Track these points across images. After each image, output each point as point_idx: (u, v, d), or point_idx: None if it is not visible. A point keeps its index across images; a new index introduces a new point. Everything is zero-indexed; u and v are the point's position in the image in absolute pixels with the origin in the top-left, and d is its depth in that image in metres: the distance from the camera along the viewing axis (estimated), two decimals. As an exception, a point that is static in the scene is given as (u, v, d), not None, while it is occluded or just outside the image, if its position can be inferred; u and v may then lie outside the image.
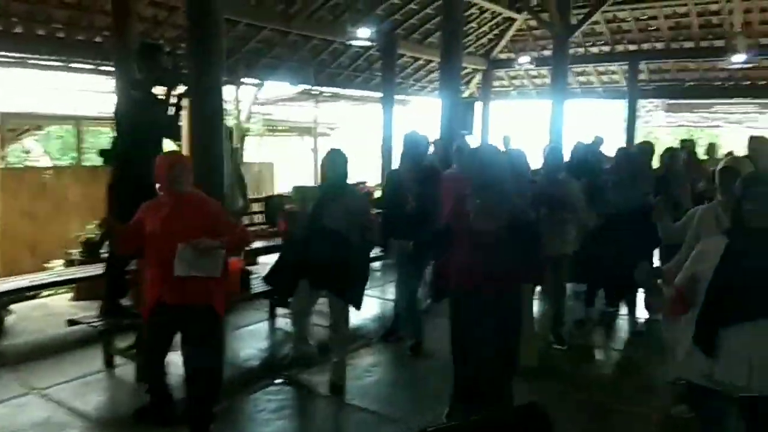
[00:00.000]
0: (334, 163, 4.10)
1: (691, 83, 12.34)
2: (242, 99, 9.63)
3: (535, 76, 13.78)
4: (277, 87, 10.62)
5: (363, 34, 7.89)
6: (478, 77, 13.95)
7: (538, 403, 2.86)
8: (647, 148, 6.40)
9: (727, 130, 13.52)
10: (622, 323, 5.71)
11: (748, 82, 11.79)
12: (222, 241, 3.17)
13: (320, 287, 4.15)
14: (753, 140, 5.97)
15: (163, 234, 3.12)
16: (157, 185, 3.29)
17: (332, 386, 4.15)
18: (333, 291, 4.11)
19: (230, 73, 8.98)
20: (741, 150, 6.91)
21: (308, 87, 10.33)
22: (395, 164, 9.52)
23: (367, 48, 10.13)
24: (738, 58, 10.11)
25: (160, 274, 3.17)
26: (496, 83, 14.06)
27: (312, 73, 10.02)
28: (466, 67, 13.17)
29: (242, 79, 9.29)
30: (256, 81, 9.92)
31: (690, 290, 2.47)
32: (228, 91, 9.36)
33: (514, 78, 14.18)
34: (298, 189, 8.43)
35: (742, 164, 3.33)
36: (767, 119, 12.64)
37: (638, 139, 11.72)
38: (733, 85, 11.98)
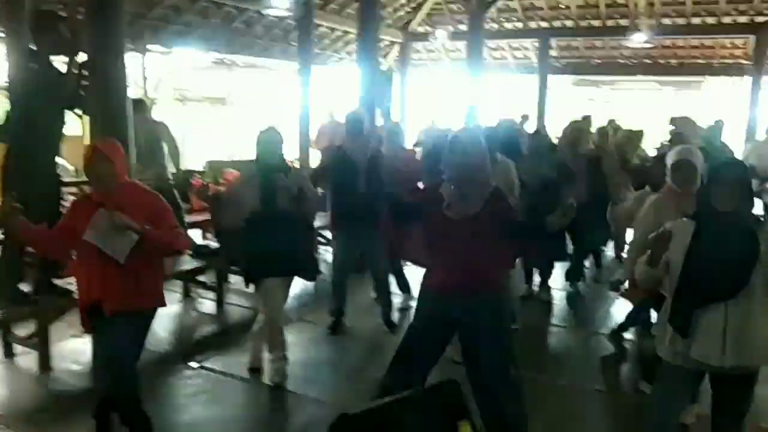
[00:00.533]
0: (272, 142, 3.89)
1: (598, 60, 12.89)
2: (149, 67, 9.10)
3: (451, 50, 13.91)
4: (188, 55, 10.11)
5: (278, 4, 7.63)
6: (395, 50, 13.92)
7: (453, 380, 2.94)
8: (582, 125, 6.46)
9: (629, 105, 14.25)
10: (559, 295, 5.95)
11: (650, 61, 12.46)
12: (145, 230, 2.76)
13: (287, 274, 3.98)
14: (675, 120, 6.33)
15: None
16: None
17: (275, 385, 3.98)
18: (303, 276, 4.04)
19: (135, 40, 8.47)
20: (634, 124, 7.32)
21: (221, 56, 9.88)
22: (313, 136, 9.49)
23: (283, 17, 9.81)
24: (640, 38, 10.62)
25: (98, 281, 2.82)
26: (414, 56, 14.09)
27: (224, 42, 9.59)
28: (383, 39, 13.10)
29: (148, 47, 8.77)
30: (164, 49, 9.40)
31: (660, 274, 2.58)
32: (133, 60, 8.84)
33: (431, 51, 14.26)
34: (212, 164, 8.23)
35: (695, 155, 3.39)
36: (666, 95, 13.44)
37: (549, 113, 12.19)
38: (636, 63, 12.63)
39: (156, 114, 9.20)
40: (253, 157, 3.97)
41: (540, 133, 6.07)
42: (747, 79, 11.29)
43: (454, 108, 10.93)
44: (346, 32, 11.93)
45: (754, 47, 10.93)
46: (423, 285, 3.22)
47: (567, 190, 5.24)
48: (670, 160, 3.40)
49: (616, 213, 6.09)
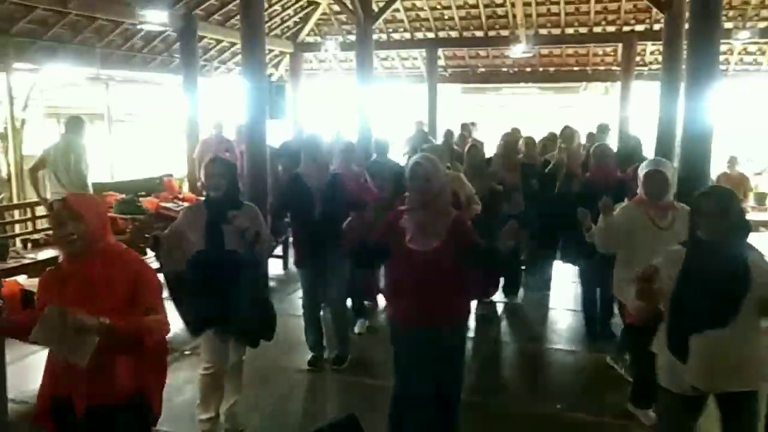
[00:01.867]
0: (221, 174, 3.52)
1: (483, 69, 13.38)
2: (15, 86, 8.36)
3: (342, 60, 13.91)
4: (60, 72, 9.41)
5: (156, 18, 7.25)
6: (286, 60, 13.73)
7: (351, 415, 2.95)
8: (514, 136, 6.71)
9: (515, 112, 14.91)
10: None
11: (530, 69, 13.09)
12: (108, 328, 2.14)
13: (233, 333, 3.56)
14: (567, 128, 6.67)
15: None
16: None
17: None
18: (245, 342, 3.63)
19: (-2, 58, 7.81)
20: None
21: (95, 71, 9.27)
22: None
23: (162, 31, 9.36)
24: (519, 48, 11.13)
25: (64, 367, 2.26)
26: (305, 66, 13.95)
27: (98, 56, 9.01)
28: (272, 50, 12.88)
29: (14, 65, 8.08)
30: (32, 66, 8.69)
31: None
32: (-4, 79, 8.14)
33: (322, 61, 14.19)
34: (92, 186, 7.70)
35: (666, 166, 3.54)
36: (547, 101, 14.18)
37: (441, 121, 12.48)
38: (518, 71, 13.23)
39: (30, 134, 8.57)
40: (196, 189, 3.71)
41: (476, 146, 6.17)
42: (618, 84, 12.14)
43: (348, 118, 10.94)
44: (232, 43, 11.60)
45: (622, 54, 11.78)
46: (390, 319, 3.19)
47: (506, 202, 5.43)
48: (642, 170, 3.55)
49: None
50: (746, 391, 2.53)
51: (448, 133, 8.99)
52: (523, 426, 3.96)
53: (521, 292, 6.38)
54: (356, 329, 5.34)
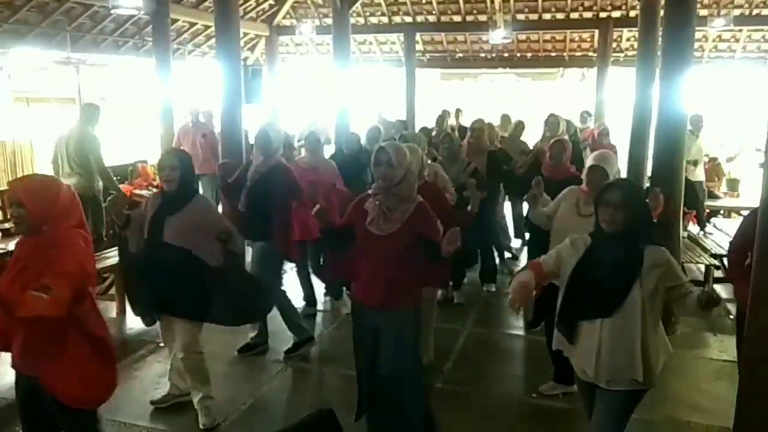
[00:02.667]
0: (171, 164, 3.51)
1: (461, 54, 13.35)
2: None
3: (319, 44, 13.77)
4: (29, 55, 9.16)
5: (127, 2, 7.07)
6: (261, 43, 13.53)
7: (329, 409, 2.93)
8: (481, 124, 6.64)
9: (493, 98, 14.92)
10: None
11: (507, 54, 13.10)
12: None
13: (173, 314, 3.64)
14: (552, 116, 6.69)
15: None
16: None
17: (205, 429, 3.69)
18: (189, 316, 3.61)
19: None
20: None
21: (66, 55, 9.03)
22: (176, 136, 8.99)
23: (132, 15, 9.13)
24: (497, 33, 11.09)
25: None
26: (282, 50, 13.78)
27: (68, 40, 8.78)
28: (248, 33, 12.68)
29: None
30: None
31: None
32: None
33: (299, 45, 14.02)
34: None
35: (608, 162, 3.56)
36: (525, 87, 14.22)
37: (419, 106, 12.45)
38: (495, 57, 13.22)
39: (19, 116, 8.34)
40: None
41: (449, 134, 6.12)
42: (595, 70, 12.21)
43: (326, 103, 10.85)
44: (206, 26, 11.40)
45: (598, 40, 11.83)
46: (351, 297, 3.28)
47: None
48: (587, 162, 3.66)
49: None
50: (625, 389, 2.53)
51: (439, 119, 9.01)
52: (499, 413, 3.99)
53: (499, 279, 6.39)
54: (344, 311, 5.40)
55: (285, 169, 4.51)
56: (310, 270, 5.57)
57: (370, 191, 3.06)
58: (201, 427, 3.70)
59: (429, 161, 5.04)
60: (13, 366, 2.57)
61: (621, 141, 8.11)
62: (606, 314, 2.46)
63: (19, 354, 2.51)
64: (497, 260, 6.69)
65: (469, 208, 4.37)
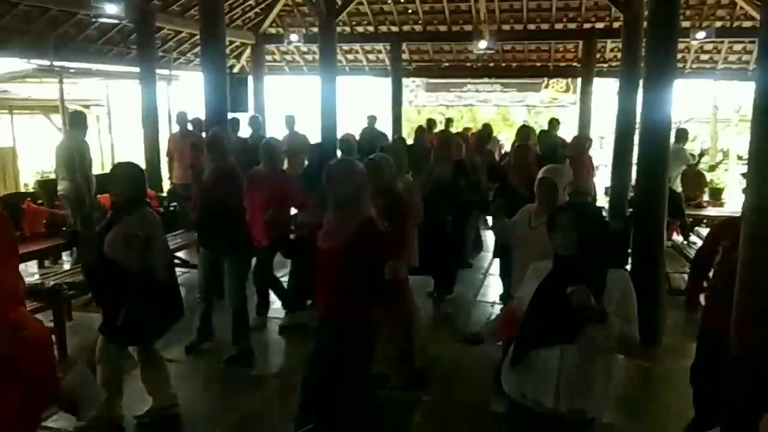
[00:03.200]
0: (120, 177, 3.57)
1: (447, 64, 13.42)
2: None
3: (305, 53, 13.77)
4: (12, 62, 9.06)
5: (111, 10, 7.03)
6: (247, 52, 13.51)
7: (317, 427, 2.88)
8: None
9: (478, 107, 15.01)
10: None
11: (493, 64, 13.19)
12: None
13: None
14: (523, 127, 6.75)
15: None
16: None
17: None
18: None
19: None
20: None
21: (47, 62, 8.93)
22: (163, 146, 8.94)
23: (116, 23, 9.06)
24: (482, 44, 11.18)
25: None
26: (268, 58, 13.76)
27: (51, 48, 8.69)
28: (233, 41, 12.66)
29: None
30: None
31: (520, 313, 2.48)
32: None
33: (285, 53, 14.01)
34: (44, 183, 7.47)
35: (557, 174, 3.51)
36: (511, 97, 14.31)
37: (405, 116, 12.48)
38: (481, 66, 13.31)
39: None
40: None
41: (418, 143, 6.16)
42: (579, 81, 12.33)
43: (310, 112, 10.83)
44: (191, 34, 11.37)
45: (583, 51, 11.96)
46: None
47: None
48: (538, 175, 3.57)
49: None
50: (581, 420, 2.39)
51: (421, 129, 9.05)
52: (482, 423, 3.97)
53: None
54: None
55: (232, 178, 4.58)
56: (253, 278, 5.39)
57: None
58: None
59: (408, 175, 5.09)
60: None
61: (603, 151, 8.16)
62: (567, 341, 2.31)
63: None
64: None
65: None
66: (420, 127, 9.47)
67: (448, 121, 11.74)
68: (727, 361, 2.81)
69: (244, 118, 9.47)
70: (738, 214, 3.28)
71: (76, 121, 6.73)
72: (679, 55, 9.69)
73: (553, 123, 10.04)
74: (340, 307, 3.04)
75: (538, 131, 8.81)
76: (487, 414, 3.97)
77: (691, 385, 3.65)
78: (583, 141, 7.76)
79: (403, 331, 4.24)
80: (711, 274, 3.56)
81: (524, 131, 7.19)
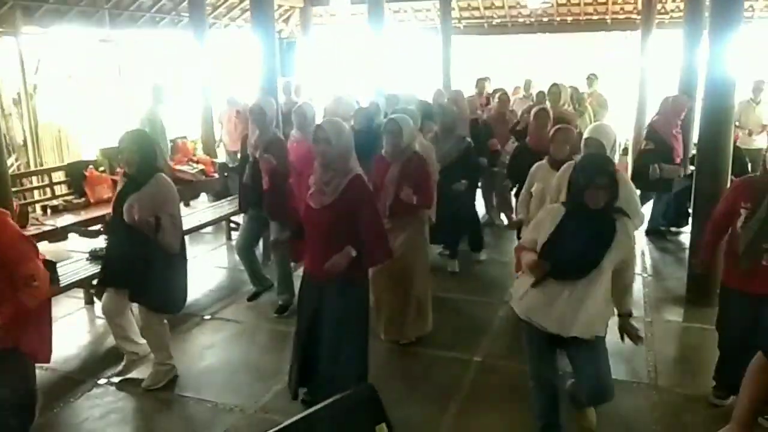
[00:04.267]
0: (130, 149, 3.65)
1: (498, 20, 13.03)
2: (25, 50, 8.32)
3: (353, 13, 13.60)
4: (70, 34, 9.32)
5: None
6: (296, 15, 13.47)
7: (369, 384, 2.96)
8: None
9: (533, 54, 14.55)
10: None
11: (547, 19, 12.73)
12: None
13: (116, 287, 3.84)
14: (554, 86, 6.53)
15: None
16: None
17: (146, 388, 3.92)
18: (129, 294, 3.80)
19: (5, 22, 7.75)
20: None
21: (106, 33, 9.17)
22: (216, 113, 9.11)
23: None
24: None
25: None
26: (316, 20, 13.67)
27: (106, 17, 8.90)
28: (282, 5, 12.64)
29: (21, 29, 8.02)
30: (40, 29, 8.62)
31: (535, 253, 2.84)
32: (6, 44, 8.11)
33: (333, 15, 13.89)
34: (105, 151, 7.74)
35: (602, 133, 3.59)
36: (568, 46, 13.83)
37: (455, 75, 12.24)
38: (534, 22, 12.87)
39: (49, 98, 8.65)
40: None
41: (444, 106, 6.03)
42: (638, 33, 11.76)
43: (359, 74, 10.77)
44: None
45: (642, 2, 11.37)
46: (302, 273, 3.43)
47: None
48: (585, 134, 3.68)
49: None
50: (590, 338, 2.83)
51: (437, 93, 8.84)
52: (508, 379, 4.00)
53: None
54: None
55: (280, 145, 4.76)
56: None
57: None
58: (142, 386, 3.89)
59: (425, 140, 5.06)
60: None
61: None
62: (580, 276, 2.73)
63: None
64: None
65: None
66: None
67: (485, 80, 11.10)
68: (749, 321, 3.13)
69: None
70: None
71: (157, 94, 7.16)
72: (746, 3, 9.12)
73: (591, 78, 9.70)
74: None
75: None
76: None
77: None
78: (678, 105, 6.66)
79: (413, 285, 4.30)
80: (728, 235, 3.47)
81: (554, 90, 6.97)
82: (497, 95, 7.76)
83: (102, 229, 4.06)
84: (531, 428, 3.39)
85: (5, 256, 2.67)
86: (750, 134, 7.74)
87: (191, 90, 9.70)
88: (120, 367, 4.08)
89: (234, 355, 4.45)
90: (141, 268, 3.64)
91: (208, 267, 6.24)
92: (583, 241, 2.71)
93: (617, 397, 3.51)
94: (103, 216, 6.28)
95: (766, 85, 7.88)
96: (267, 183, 4.66)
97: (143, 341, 4.03)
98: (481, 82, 9.41)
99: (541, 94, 7.67)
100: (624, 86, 11.52)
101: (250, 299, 5.30)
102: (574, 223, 2.75)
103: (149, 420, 3.66)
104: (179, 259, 3.80)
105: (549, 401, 3.05)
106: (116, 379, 4.03)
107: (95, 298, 5.08)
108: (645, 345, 4.25)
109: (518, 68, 13.31)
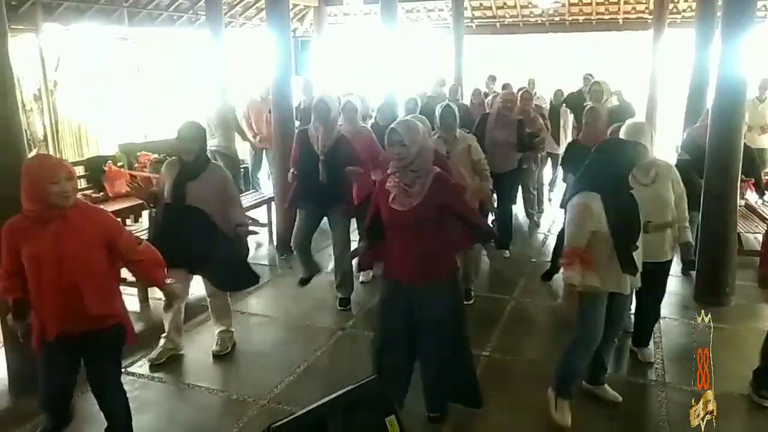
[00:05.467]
0: (188, 138, 3.90)
1: (510, 20, 13.07)
2: (45, 47, 8.50)
3: (367, 13, 13.70)
4: (89, 32, 9.49)
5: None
6: (311, 14, 13.58)
7: (377, 379, 3.01)
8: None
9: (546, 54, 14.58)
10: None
11: (558, 18, 12.75)
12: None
13: (189, 270, 4.10)
14: (596, 84, 6.60)
15: (55, 258, 2.66)
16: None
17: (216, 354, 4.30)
18: (200, 274, 4.13)
19: (26, 19, 7.91)
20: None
21: (125, 31, 9.33)
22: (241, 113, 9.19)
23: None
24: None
25: (58, 304, 2.73)
26: (330, 20, 13.79)
27: (125, 15, 9.05)
28: (297, 4, 12.75)
29: (42, 26, 8.18)
30: (61, 27, 8.78)
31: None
32: (26, 41, 8.26)
33: (347, 15, 14.00)
34: (124, 147, 7.88)
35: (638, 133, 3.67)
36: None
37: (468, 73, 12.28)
38: (545, 21, 12.90)
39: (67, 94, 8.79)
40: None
41: (449, 106, 6.08)
42: (649, 33, 11.76)
43: (373, 72, 10.83)
44: (257, -1, 11.54)
45: (654, 1, 11.36)
46: (383, 277, 3.35)
47: None
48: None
49: None
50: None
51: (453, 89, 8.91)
52: (516, 373, 4.10)
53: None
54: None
55: (347, 140, 4.84)
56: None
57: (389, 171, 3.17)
58: (212, 352, 4.26)
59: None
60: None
61: (674, 107, 7.83)
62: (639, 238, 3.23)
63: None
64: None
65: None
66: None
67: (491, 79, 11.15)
68: None
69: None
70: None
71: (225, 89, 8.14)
72: (759, 2, 9.10)
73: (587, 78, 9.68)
74: (429, 266, 3.11)
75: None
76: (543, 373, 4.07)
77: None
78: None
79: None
80: None
81: (596, 88, 6.95)
82: (520, 93, 7.71)
83: (154, 215, 4.19)
84: (539, 422, 3.47)
85: (109, 232, 2.82)
86: (760, 131, 7.72)
87: (208, 88, 9.82)
88: (154, 354, 4.23)
89: (248, 346, 4.54)
90: (207, 249, 3.89)
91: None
92: (631, 215, 3.15)
93: (626, 396, 3.64)
94: (122, 210, 6.43)
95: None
96: (359, 196, 4.93)
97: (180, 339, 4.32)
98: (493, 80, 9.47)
99: (559, 92, 7.74)
100: (635, 86, 11.51)
101: (302, 284, 5.30)
102: (618, 206, 3.11)
103: (163, 409, 3.75)
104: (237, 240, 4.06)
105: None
106: (133, 369, 4.13)
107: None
108: (653, 342, 4.34)
109: (529, 68, 13.31)
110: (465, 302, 4.40)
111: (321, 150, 4.72)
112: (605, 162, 3.15)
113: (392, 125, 3.11)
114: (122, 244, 2.85)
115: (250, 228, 4.16)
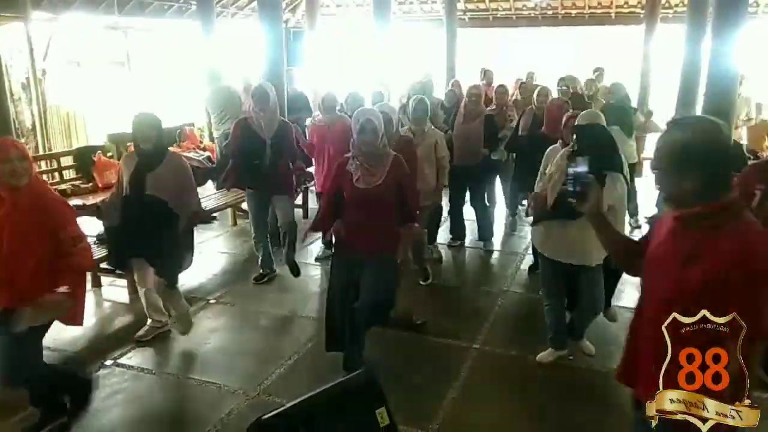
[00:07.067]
0: (145, 128, 3.94)
1: (503, 13, 13.04)
2: (34, 36, 8.38)
3: (359, 4, 13.63)
4: (78, 20, 9.39)
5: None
6: (302, 5, 13.49)
7: (368, 368, 3.02)
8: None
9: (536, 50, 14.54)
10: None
11: (551, 12, 12.74)
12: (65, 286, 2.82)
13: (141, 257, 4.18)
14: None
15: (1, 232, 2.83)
16: None
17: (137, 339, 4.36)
18: (151, 264, 4.19)
19: (15, 7, 7.81)
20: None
21: (114, 20, 9.23)
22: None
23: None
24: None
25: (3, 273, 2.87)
26: (322, 11, 13.69)
27: (114, 4, 8.96)
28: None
29: (31, 14, 8.08)
30: (50, 15, 8.68)
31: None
32: (16, 29, 8.16)
33: (339, 6, 13.92)
34: (114, 137, 7.81)
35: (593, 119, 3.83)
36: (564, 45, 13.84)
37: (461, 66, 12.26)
38: (538, 15, 12.88)
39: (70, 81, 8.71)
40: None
41: (423, 99, 6.06)
42: (641, 28, 11.76)
43: (364, 63, 10.79)
44: (248, -11, 11.44)
45: (647, -4, 11.38)
46: (336, 248, 3.81)
47: None
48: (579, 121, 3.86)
49: None
50: (586, 265, 3.72)
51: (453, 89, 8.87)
52: (506, 366, 4.09)
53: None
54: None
55: (290, 127, 5.20)
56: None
57: (348, 155, 3.62)
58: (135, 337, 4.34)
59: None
60: None
61: (665, 101, 7.87)
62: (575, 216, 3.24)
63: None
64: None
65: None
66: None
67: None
68: None
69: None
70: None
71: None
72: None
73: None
74: (384, 239, 3.61)
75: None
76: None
77: None
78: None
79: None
80: None
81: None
82: (495, 88, 7.71)
83: (112, 206, 4.12)
84: (527, 415, 3.49)
85: (52, 221, 2.88)
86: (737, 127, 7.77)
87: (198, 78, 9.74)
88: (141, 332, 4.38)
89: (237, 339, 4.54)
90: (162, 237, 3.97)
91: (213, 252, 6.32)
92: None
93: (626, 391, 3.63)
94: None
95: (746, 79, 7.89)
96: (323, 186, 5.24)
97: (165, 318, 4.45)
98: (489, 73, 9.41)
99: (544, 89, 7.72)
100: (627, 80, 11.53)
101: (257, 281, 5.48)
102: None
103: (154, 401, 3.74)
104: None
105: (558, 314, 4.00)
106: (123, 360, 4.12)
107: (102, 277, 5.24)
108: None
109: (522, 61, 13.29)
110: (422, 282, 5.27)
111: (268, 135, 4.97)
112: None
113: (366, 116, 3.51)
114: (61, 236, 2.90)
115: (205, 217, 4.39)
